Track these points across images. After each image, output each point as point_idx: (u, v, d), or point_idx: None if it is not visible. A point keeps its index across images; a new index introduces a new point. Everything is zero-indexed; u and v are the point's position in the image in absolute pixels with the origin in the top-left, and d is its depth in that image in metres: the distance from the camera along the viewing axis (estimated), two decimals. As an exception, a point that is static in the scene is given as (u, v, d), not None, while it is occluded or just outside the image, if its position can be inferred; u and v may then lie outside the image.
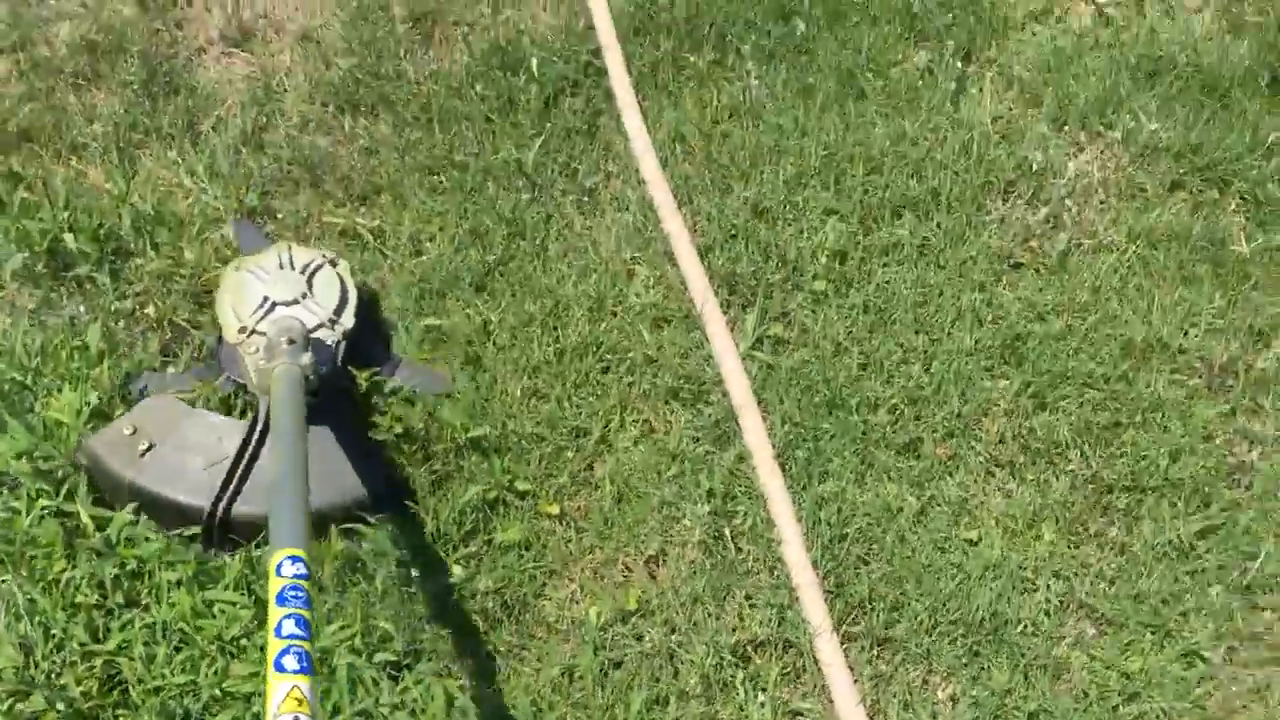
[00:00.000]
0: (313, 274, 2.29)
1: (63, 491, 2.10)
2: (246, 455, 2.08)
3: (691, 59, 2.82)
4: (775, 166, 2.60)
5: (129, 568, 2.03)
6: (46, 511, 2.06)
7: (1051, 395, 2.23)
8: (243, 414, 2.21)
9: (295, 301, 2.21)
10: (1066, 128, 2.64)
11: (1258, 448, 2.22)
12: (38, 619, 1.95)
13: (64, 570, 2.01)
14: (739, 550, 2.10)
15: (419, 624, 2.00)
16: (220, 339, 2.27)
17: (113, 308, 2.39)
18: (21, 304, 2.43)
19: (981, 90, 2.72)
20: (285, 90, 2.85)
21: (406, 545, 2.06)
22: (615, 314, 2.41)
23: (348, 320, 2.25)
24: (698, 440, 2.22)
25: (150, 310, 2.41)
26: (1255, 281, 2.41)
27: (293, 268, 2.28)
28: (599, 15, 2.88)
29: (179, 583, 1.99)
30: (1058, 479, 2.16)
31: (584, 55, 2.84)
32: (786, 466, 2.18)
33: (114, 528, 2.07)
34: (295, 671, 1.27)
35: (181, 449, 2.11)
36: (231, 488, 2.06)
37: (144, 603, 2.00)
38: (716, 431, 2.23)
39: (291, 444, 1.76)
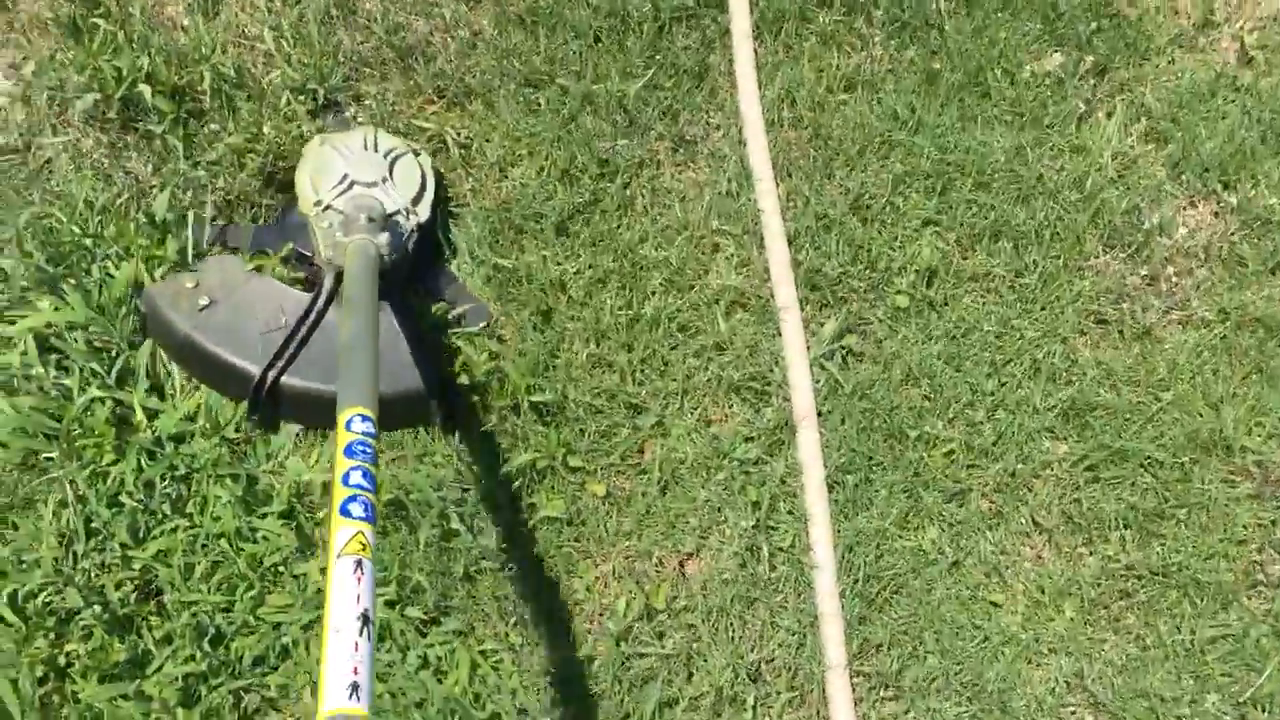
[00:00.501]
0: (395, 160, 2.27)
1: (114, 372, 2.08)
2: (305, 326, 2.07)
3: (819, 13, 2.66)
4: (883, 159, 2.50)
5: (178, 472, 2.03)
6: (98, 397, 2.04)
7: (1107, 471, 2.23)
8: (305, 287, 2.19)
9: (375, 184, 2.20)
10: (1184, 177, 2.54)
11: (1286, 563, 2.26)
12: (82, 511, 1.96)
13: (113, 463, 2.01)
14: (773, 568, 2.13)
15: (452, 582, 2.03)
16: (285, 209, 2.28)
17: (183, 175, 2.30)
18: (87, 149, 2.33)
19: (1110, 116, 2.60)
20: (389, -48, 2.67)
21: (450, 500, 2.07)
22: (693, 288, 2.36)
23: (423, 212, 2.25)
24: (751, 442, 2.22)
25: (220, 183, 2.32)
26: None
27: (376, 150, 2.27)
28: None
29: (226, 502, 2.00)
30: (1092, 556, 2.19)
31: (708, -16, 2.67)
32: (834, 490, 2.19)
33: (166, 424, 2.06)
34: (360, 518, 1.32)
35: (241, 310, 2.11)
36: (286, 357, 2.06)
37: (189, 511, 2.01)
38: (772, 438, 2.22)
39: (364, 312, 1.77)
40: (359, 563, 1.26)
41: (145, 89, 2.31)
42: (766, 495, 2.16)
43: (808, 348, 2.30)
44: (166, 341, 2.12)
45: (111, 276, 2.14)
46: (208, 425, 2.07)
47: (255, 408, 2.08)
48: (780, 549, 2.14)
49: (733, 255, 2.39)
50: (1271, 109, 2.62)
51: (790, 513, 2.17)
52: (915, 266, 2.38)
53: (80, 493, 1.96)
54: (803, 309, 2.34)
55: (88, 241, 2.17)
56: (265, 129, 2.36)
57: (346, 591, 1.24)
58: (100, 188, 2.26)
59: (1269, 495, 2.26)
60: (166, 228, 2.22)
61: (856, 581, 2.12)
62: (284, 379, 2.06)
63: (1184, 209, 2.53)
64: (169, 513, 1.99)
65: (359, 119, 2.44)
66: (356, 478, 1.37)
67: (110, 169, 2.30)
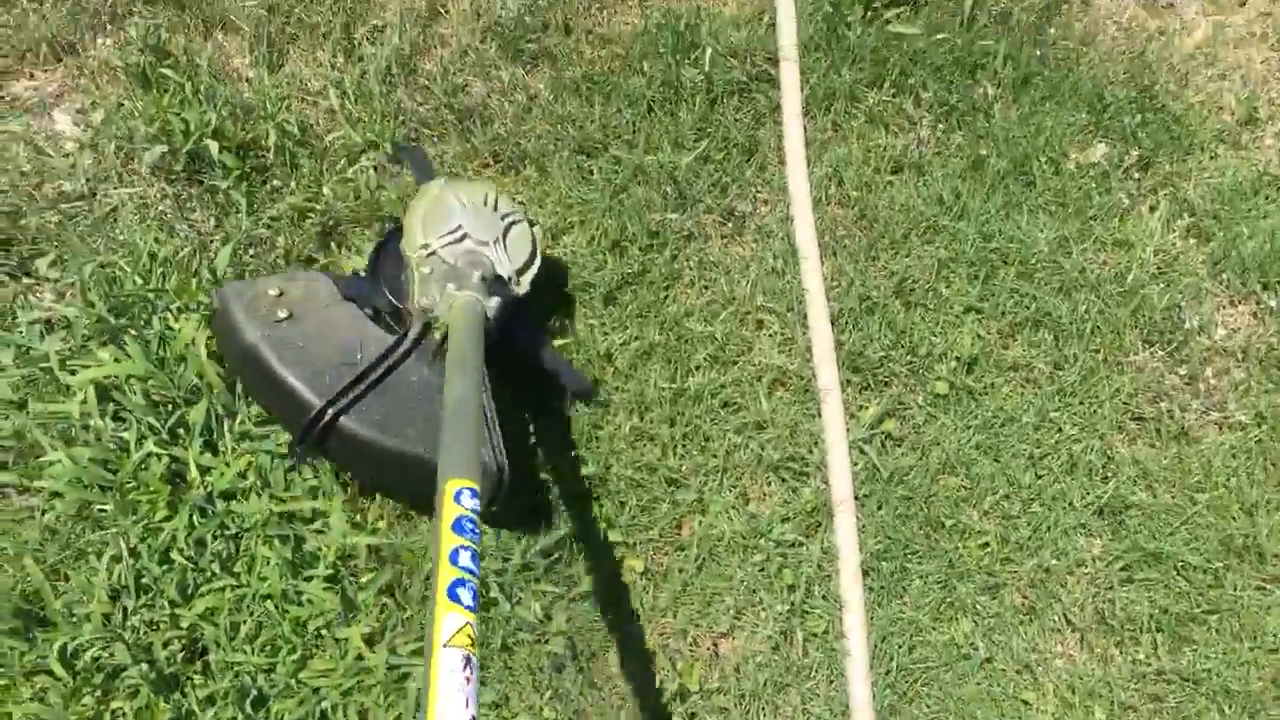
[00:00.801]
0: (510, 225, 2.20)
1: (169, 425, 2.11)
2: (381, 368, 1.97)
3: (868, 94, 2.70)
4: (928, 244, 2.53)
5: (228, 531, 2.06)
6: (154, 452, 2.08)
7: (1141, 573, 2.25)
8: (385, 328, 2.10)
9: (487, 244, 2.12)
10: (1225, 276, 2.57)
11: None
12: (134, 566, 1.99)
13: (165, 519, 2.04)
14: (805, 653, 2.15)
15: (489, 652, 2.06)
16: (380, 252, 2.16)
17: (246, 233, 2.34)
18: (151, 200, 2.37)
19: (1153, 210, 2.63)
20: (449, 13, 2.72)
21: (490, 569, 2.10)
22: (736, 364, 2.39)
23: (526, 285, 2.16)
24: (788, 523, 2.24)
25: (280, 240, 2.36)
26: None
27: (495, 209, 2.19)
28: (785, 21, 2.73)
29: (274, 563, 2.03)
30: (1123, 657, 2.21)
31: (760, 60, 2.71)
32: (869, 576, 2.22)
33: (218, 481, 2.09)
34: (468, 608, 1.21)
35: (318, 334, 2.00)
36: (352, 395, 1.95)
37: (236, 570, 2.05)
38: (809, 520, 2.25)
39: (473, 374, 1.69)
40: (468, 660, 1.16)
41: (212, 144, 2.36)
42: (802, 579, 2.19)
43: (847, 430, 2.32)
44: (230, 345, 2.03)
45: (172, 330, 2.17)
46: (258, 483, 2.11)
47: (304, 440, 1.96)
48: (814, 634, 2.17)
49: (776, 333, 2.43)
50: (1314, 211, 2.65)
51: (824, 598, 2.19)
52: (956, 354, 2.41)
53: (133, 547, 2.00)
54: (844, 390, 2.37)
55: (150, 293, 2.21)
56: (325, 189, 2.40)
57: (453, 694, 1.13)
58: (164, 239, 2.30)
59: (1299, 603, 2.27)
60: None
61: (889, 672, 2.14)
62: (342, 419, 1.95)
63: (1223, 308, 2.56)
64: (217, 571, 2.03)
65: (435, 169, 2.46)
66: (465, 559, 1.27)
67: (174, 221, 2.34)
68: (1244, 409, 2.44)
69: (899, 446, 2.35)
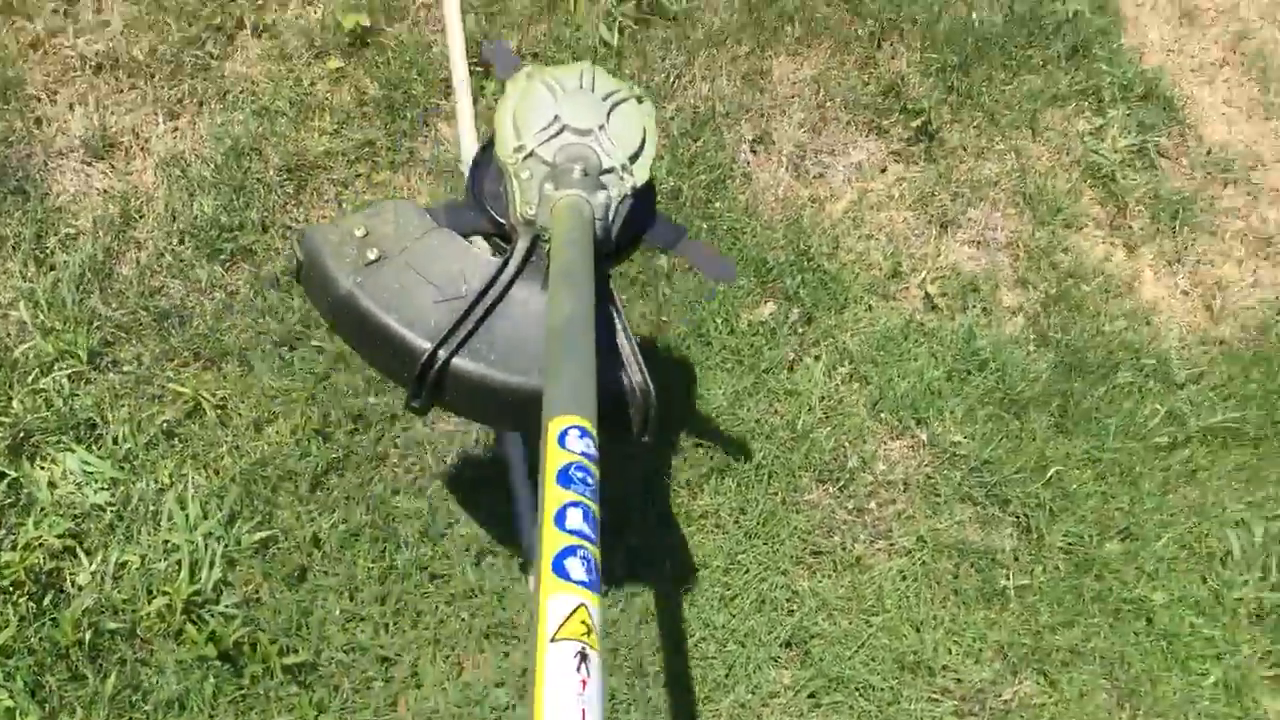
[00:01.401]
0: (615, 106, 1.91)
1: None
2: (490, 297, 1.72)
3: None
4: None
5: None
6: None
7: (828, 698, 2.46)
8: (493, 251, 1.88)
9: (589, 131, 1.85)
10: (883, 415, 2.89)
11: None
12: None
13: None
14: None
15: None
16: (477, 168, 1.92)
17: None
18: None
19: (818, 360, 2.94)
20: (144, 216, 2.78)
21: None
22: (445, 535, 2.49)
23: (641, 173, 1.86)
24: (500, 686, 2.33)
25: (-34, 452, 2.33)
26: (1014, 611, 2.70)
27: (594, 90, 1.91)
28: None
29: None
30: (817, 778, 2.39)
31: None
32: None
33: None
34: (581, 584, 0.97)
35: (415, 270, 1.75)
36: (463, 333, 1.69)
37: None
38: (521, 681, 2.35)
39: (582, 289, 1.46)
40: (583, 656, 0.91)
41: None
42: (516, 741, 2.28)
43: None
44: (322, 297, 1.76)
45: None
46: None
47: (419, 391, 1.69)
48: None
49: (483, 505, 2.55)
50: (953, 351, 3.02)
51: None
52: (654, 510, 2.60)
53: None
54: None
55: None
56: (14, 402, 2.39)
57: (566, 706, 0.88)
58: None
59: (967, 711, 2.53)
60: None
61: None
62: (455, 359, 1.68)
63: (884, 444, 2.87)
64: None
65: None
66: (576, 520, 1.02)
67: None
68: (907, 535, 2.72)
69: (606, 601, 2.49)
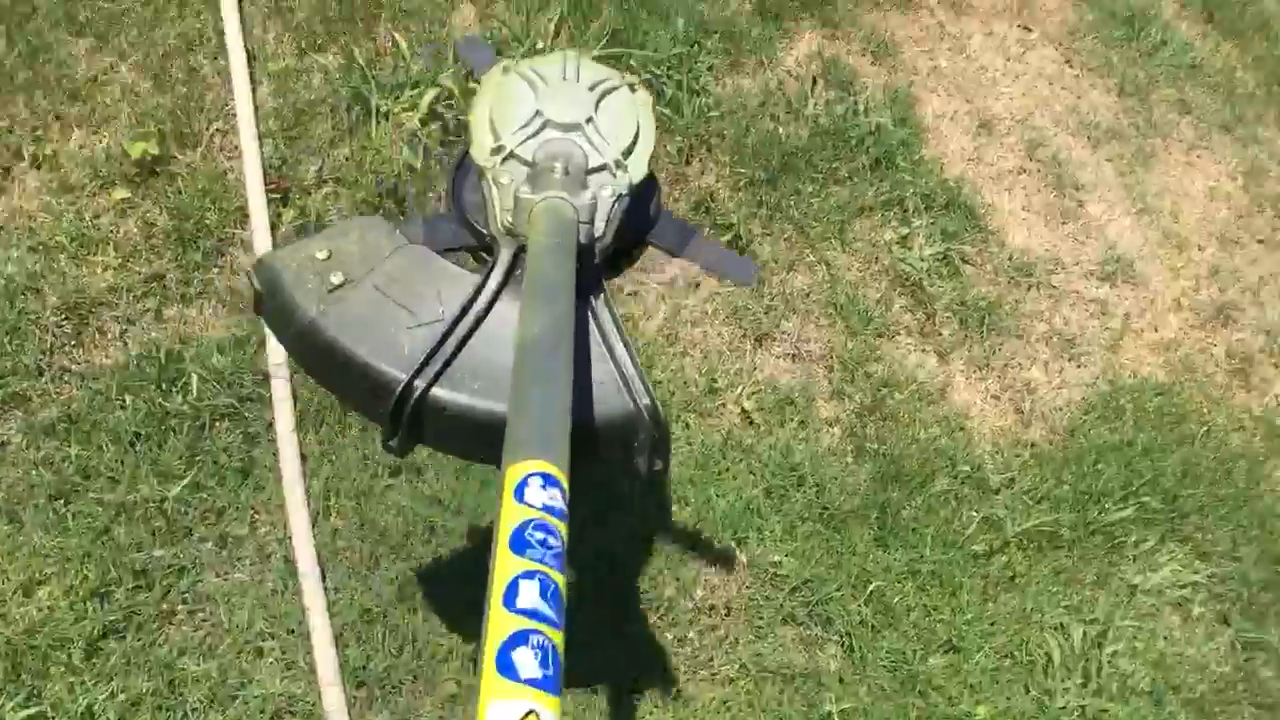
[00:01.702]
0: (603, 96, 1.73)
1: None
2: (470, 319, 1.52)
3: (363, 404, 2.81)
4: (426, 544, 2.63)
5: None
6: None
7: (650, 844, 2.36)
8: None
9: (575, 126, 1.67)
10: (704, 535, 2.85)
11: None
12: None
13: None
14: None
15: None
16: (457, 173, 1.75)
17: None
18: None
19: (634, 482, 2.89)
20: (-98, 364, 2.59)
21: None
22: (237, 698, 2.32)
23: (636, 169, 1.67)
24: None
25: None
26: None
27: (578, 81, 1.73)
28: (272, 339, 2.82)
29: None
30: None
31: (249, 381, 2.76)
32: None
33: None
34: (533, 683, 0.74)
35: (386, 293, 1.56)
36: (441, 360, 1.48)
37: None
38: None
39: (556, 302, 1.28)
40: None
41: None
42: None
43: (357, 752, 2.31)
44: (283, 330, 1.56)
45: None
46: None
47: (395, 428, 1.47)
48: None
49: (279, 659, 2.39)
50: (771, 467, 3.00)
51: None
52: (464, 652, 2.48)
53: None
54: (350, 710, 2.36)
55: None
56: None
57: None
58: None
59: (794, 841, 2.45)
60: None
61: None
62: (434, 390, 1.47)
63: (703, 568, 2.82)
64: None
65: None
66: (530, 596, 0.79)
67: None
68: (729, 663, 2.66)
69: (411, 758, 2.36)
